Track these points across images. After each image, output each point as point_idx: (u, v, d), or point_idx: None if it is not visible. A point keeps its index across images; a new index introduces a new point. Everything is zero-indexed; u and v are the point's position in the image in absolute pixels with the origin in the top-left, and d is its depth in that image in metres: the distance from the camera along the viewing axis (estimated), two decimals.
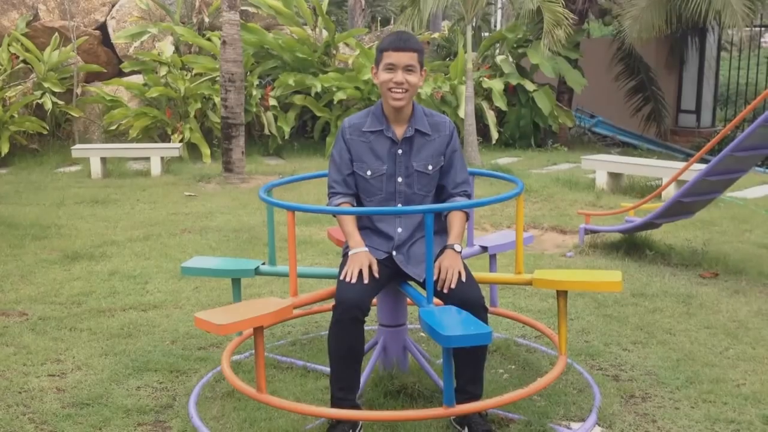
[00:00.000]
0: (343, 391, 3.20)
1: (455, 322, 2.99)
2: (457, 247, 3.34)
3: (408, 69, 3.36)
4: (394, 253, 3.39)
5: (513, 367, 3.99)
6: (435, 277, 3.26)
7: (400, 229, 3.42)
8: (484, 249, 4.15)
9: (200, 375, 3.90)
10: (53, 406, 3.55)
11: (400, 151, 3.45)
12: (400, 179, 3.45)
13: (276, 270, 3.91)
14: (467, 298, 3.21)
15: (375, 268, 3.25)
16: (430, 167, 3.46)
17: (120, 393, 3.69)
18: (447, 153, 3.50)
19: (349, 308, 3.13)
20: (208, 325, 3.09)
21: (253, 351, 4.13)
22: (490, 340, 2.93)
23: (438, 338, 2.90)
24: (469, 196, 3.54)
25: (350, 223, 3.38)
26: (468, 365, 3.23)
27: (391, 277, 3.42)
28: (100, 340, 4.39)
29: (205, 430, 3.30)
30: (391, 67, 3.37)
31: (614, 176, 9.11)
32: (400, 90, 3.37)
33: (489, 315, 3.35)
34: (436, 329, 2.90)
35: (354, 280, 3.18)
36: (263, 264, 3.90)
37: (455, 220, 3.42)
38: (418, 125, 3.46)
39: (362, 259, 3.24)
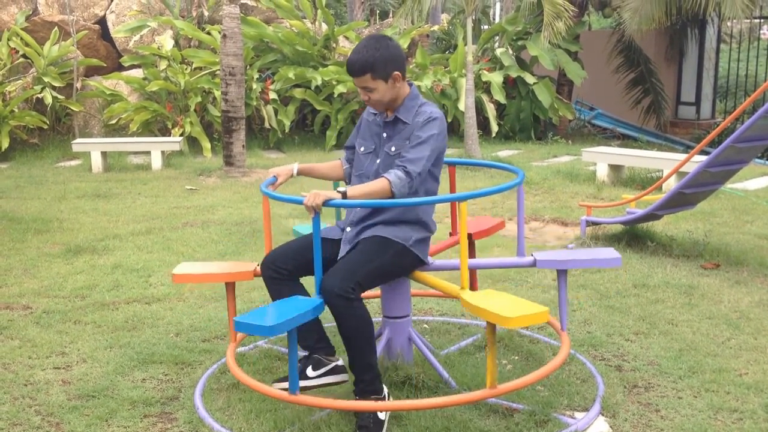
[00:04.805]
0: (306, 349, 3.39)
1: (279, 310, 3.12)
2: (342, 190, 3.28)
3: (365, 90, 3.46)
4: (348, 229, 3.51)
5: (516, 357, 4.01)
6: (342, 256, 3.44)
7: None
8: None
9: (205, 367, 3.92)
10: (59, 399, 3.57)
11: (384, 135, 3.57)
12: (378, 160, 3.55)
13: None
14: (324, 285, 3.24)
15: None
16: (393, 148, 3.52)
17: (125, 385, 3.71)
18: (411, 137, 3.46)
19: (262, 267, 3.45)
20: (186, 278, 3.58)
21: (256, 344, 4.16)
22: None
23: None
24: (407, 173, 3.35)
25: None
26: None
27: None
28: (104, 332, 4.41)
29: (211, 421, 3.32)
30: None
31: (615, 168, 9.12)
32: (371, 103, 3.50)
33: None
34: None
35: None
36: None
37: (376, 181, 3.36)
38: (400, 113, 3.53)
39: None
